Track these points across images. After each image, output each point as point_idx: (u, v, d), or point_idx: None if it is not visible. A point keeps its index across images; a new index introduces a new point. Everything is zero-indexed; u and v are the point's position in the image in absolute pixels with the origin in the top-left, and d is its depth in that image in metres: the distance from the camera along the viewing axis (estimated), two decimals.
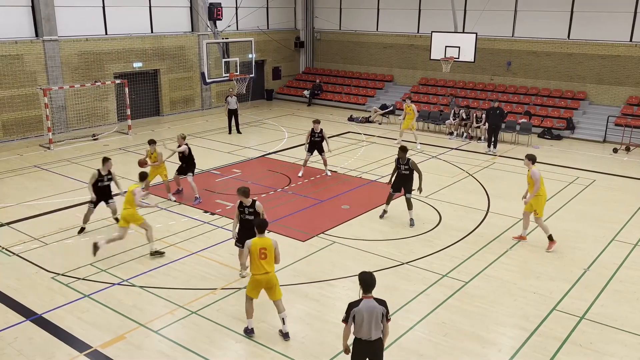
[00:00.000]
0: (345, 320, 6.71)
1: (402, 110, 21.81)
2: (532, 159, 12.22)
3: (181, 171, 14.94)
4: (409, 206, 13.30)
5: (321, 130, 16.54)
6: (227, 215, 13.75)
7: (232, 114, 22.76)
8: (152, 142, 14.68)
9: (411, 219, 13.31)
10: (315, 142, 16.64)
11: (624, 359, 8.35)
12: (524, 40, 25.55)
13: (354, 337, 6.79)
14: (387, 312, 6.72)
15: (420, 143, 20.82)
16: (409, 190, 13.30)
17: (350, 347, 6.88)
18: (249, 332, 8.83)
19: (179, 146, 14.57)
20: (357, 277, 6.77)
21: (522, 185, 16.35)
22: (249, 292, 8.68)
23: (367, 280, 6.65)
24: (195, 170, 15.06)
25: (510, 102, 25.33)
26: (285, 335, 8.73)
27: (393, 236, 12.68)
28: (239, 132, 22.97)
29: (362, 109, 28.17)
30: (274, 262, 8.54)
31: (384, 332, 6.79)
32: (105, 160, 12.60)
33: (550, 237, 12.06)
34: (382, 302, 6.71)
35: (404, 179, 13.29)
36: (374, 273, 6.80)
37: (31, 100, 21.30)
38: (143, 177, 11.66)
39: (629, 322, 9.33)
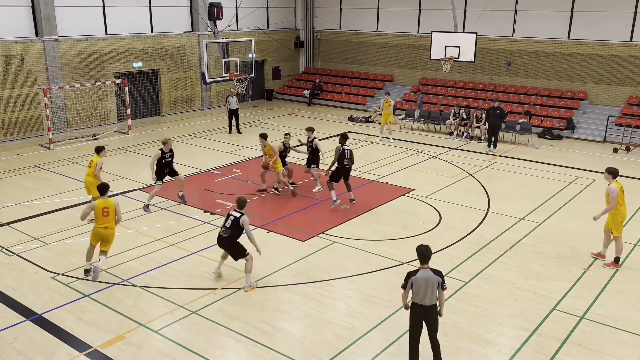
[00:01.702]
0: (403, 287, 7.62)
1: (385, 108, 21.78)
2: (612, 172, 11.30)
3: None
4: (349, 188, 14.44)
5: (313, 139, 15.53)
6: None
7: (233, 113, 22.76)
8: (264, 136, 14.99)
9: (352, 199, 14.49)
10: (311, 152, 15.67)
11: (624, 358, 8.35)
12: (524, 40, 25.55)
13: (411, 301, 7.62)
14: (443, 281, 7.51)
15: (393, 139, 21.81)
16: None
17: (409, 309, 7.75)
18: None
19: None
20: (415, 250, 7.64)
21: (522, 185, 16.39)
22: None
23: (422, 253, 7.51)
24: (196, 170, 15.03)
25: (510, 102, 25.33)
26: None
27: (393, 236, 12.68)
28: (239, 132, 22.97)
29: (362, 108, 28.17)
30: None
31: (440, 299, 7.60)
32: (166, 140, 14.01)
33: (617, 259, 11.26)
34: (437, 273, 7.51)
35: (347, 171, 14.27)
36: (376, 272, 6.85)
37: (31, 100, 21.30)
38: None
39: (629, 322, 9.33)
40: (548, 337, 8.88)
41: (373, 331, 8.95)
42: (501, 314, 9.56)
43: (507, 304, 9.86)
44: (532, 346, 8.64)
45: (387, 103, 21.63)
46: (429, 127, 24.30)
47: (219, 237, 10.28)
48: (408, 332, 7.90)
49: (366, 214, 13.95)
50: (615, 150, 20.76)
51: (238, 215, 10.12)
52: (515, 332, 9.03)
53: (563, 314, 9.55)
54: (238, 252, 10.18)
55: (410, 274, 7.56)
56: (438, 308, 7.66)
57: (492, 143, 20.36)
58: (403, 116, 24.67)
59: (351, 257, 11.63)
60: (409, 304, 7.72)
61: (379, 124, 22.47)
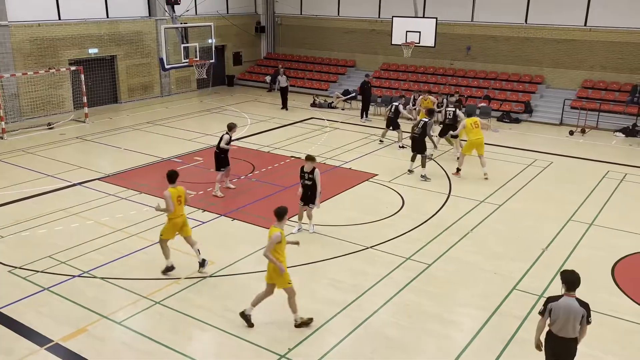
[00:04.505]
0: (541, 313, 6.76)
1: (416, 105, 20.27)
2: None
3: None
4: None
5: (313, 169, 11.83)
6: (190, 204, 13.54)
7: (283, 91, 24.85)
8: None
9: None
10: (306, 187, 11.94)
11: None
12: (483, 25, 25.87)
13: (547, 330, 6.79)
14: (589, 314, 6.64)
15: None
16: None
17: (543, 341, 6.87)
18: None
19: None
20: (560, 275, 6.80)
21: (481, 168, 16.66)
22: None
23: (571, 280, 6.65)
24: (156, 159, 14.77)
25: (470, 86, 25.69)
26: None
27: (357, 221, 12.76)
28: (286, 108, 24.80)
29: (324, 94, 28.10)
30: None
31: (581, 333, 6.72)
32: (233, 126, 14.43)
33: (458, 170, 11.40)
34: (584, 305, 6.64)
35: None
36: (341, 257, 6.82)
37: None
38: (280, 215, 8.76)
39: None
40: (509, 315, 9.11)
41: (338, 316, 9.02)
42: (463, 294, 9.76)
43: (469, 285, 10.07)
44: (493, 325, 8.86)
45: (425, 101, 20.05)
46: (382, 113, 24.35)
47: None
48: None
49: (330, 200, 13.98)
50: (571, 133, 21.32)
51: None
52: (476, 312, 9.23)
53: (523, 293, 9.81)
54: None
55: (550, 300, 6.71)
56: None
57: (365, 113, 23.05)
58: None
59: (315, 242, 11.65)
60: (541, 341, 6.85)
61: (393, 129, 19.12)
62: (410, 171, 15.86)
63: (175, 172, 10.29)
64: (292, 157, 17.58)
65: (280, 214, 8.52)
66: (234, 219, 12.79)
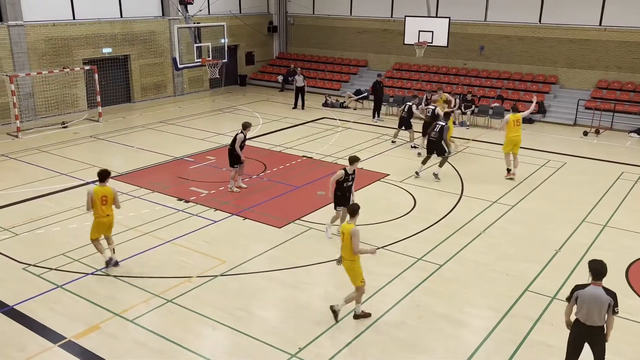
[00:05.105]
0: (568, 299, 6.99)
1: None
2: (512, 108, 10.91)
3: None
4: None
5: (354, 171, 11.54)
6: (202, 203, 13.65)
7: (299, 91, 25.00)
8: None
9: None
10: (346, 189, 11.49)
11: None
12: (497, 24, 25.71)
13: (574, 317, 6.98)
14: (616, 304, 6.71)
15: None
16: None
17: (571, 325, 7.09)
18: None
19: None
20: (587, 264, 6.92)
21: (495, 168, 16.56)
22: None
23: (597, 268, 6.77)
24: (169, 158, 14.86)
25: (483, 86, 25.54)
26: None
27: (369, 221, 12.72)
28: (303, 108, 24.96)
29: (336, 94, 28.08)
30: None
31: (608, 323, 6.81)
32: (247, 125, 14.39)
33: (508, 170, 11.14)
34: (611, 294, 6.71)
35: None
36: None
37: None
38: (356, 212, 8.90)
39: None
40: (521, 317, 9.05)
41: (350, 316, 9.00)
42: (475, 295, 9.71)
43: (481, 286, 10.02)
44: (505, 326, 8.80)
45: (441, 98, 19.25)
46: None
47: None
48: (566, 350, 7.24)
49: None
50: (585, 134, 21.13)
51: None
52: (488, 313, 9.18)
53: (535, 295, 9.73)
54: None
55: (577, 287, 6.90)
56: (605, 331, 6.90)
57: (376, 113, 23.07)
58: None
59: (327, 242, 11.65)
60: (572, 320, 7.08)
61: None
62: (417, 174, 15.66)
63: (105, 171, 10.20)
64: (303, 156, 17.59)
65: (356, 210, 8.80)
66: (245, 218, 12.83)
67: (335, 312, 8.84)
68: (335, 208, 11.61)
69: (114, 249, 10.48)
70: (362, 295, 8.90)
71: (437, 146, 15.35)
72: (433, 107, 17.62)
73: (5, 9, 20.59)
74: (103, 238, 10.46)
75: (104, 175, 10.09)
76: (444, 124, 15.40)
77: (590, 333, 6.83)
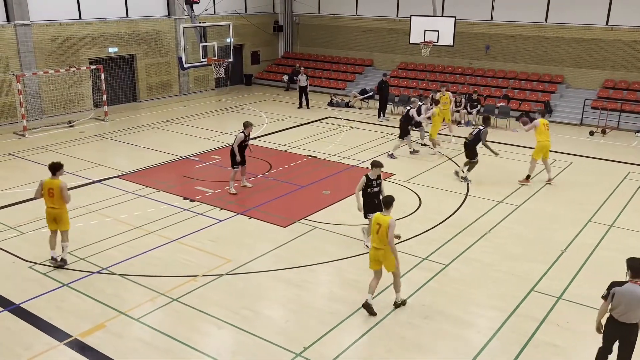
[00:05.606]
0: (604, 297, 6.90)
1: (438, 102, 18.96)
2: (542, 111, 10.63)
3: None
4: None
5: (378, 176, 10.95)
6: (207, 202, 13.68)
7: (302, 90, 24.90)
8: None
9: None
10: (373, 195, 10.92)
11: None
12: (502, 24, 25.63)
13: (608, 315, 6.96)
14: None
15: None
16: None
17: (603, 325, 7.04)
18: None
19: None
20: (626, 262, 6.90)
21: (500, 168, 16.52)
22: None
23: (636, 266, 6.74)
24: (174, 157, 14.89)
25: (488, 85, 25.47)
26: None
27: None
28: (308, 107, 24.95)
29: (342, 93, 28.07)
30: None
31: None
32: (248, 124, 14.26)
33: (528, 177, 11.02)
34: None
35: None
36: (358, 257, 6.83)
37: (4, 86, 20.81)
38: (391, 204, 9.01)
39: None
40: (526, 317, 9.02)
41: (354, 315, 9.00)
42: (480, 295, 9.69)
43: (486, 286, 9.99)
44: (511, 327, 8.78)
45: (444, 96, 19.75)
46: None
47: None
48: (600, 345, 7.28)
49: (347, 199, 13.97)
50: (592, 133, 21.04)
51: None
52: (493, 313, 9.16)
53: (541, 295, 9.70)
54: None
55: (614, 284, 6.83)
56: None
57: (382, 113, 23.10)
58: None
59: (332, 242, 11.65)
60: (602, 324, 7.02)
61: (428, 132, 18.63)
62: (457, 173, 15.49)
63: (55, 164, 10.18)
64: (309, 156, 17.60)
65: (391, 202, 8.91)
66: (251, 218, 12.85)
67: (368, 308, 8.93)
68: (365, 217, 11.08)
69: (63, 248, 10.34)
70: (399, 279, 9.15)
71: (468, 150, 15.19)
72: (408, 108, 17.60)
73: (12, 8, 20.67)
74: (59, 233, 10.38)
75: (54, 168, 10.07)
76: (482, 127, 15.06)
77: (624, 330, 6.81)
